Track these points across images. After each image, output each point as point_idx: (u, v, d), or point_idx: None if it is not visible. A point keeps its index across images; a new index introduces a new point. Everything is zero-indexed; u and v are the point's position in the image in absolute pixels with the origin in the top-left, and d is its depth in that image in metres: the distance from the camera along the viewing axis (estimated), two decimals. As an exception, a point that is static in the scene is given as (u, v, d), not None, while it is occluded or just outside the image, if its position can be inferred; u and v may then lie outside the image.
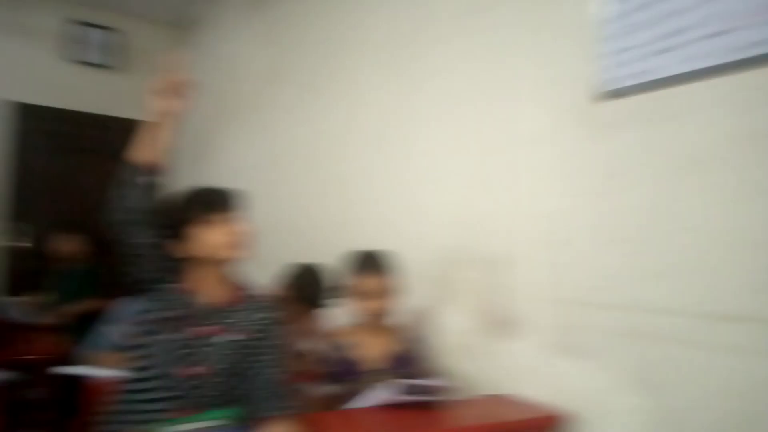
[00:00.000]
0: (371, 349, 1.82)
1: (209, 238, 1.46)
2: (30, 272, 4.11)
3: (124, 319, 1.68)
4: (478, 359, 1.89)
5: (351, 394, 1.68)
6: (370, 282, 1.80)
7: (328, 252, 2.45)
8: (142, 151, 1.44)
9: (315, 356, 1.85)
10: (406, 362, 1.83)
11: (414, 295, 1.94)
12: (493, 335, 1.86)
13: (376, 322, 1.84)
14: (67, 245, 3.36)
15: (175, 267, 1.50)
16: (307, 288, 2.08)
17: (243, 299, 1.56)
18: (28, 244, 4.26)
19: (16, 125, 4.30)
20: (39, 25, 4.40)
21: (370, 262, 1.83)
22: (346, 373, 1.77)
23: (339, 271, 1.89)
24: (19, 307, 3.07)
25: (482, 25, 1.97)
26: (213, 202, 1.49)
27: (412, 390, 1.59)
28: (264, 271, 1.74)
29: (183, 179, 1.59)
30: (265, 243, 1.59)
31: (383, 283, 1.81)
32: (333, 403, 1.72)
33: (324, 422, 1.50)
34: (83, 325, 3.18)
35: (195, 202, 1.49)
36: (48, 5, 4.41)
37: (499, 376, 1.82)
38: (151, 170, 1.44)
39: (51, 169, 4.44)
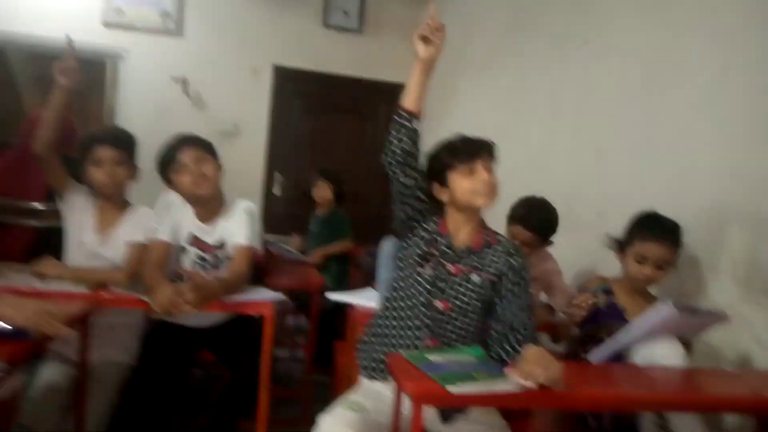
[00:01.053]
0: (628, 310, 1.74)
1: (469, 184, 1.54)
2: (282, 217, 4.74)
3: (385, 254, 1.83)
4: (749, 332, 1.67)
5: (605, 337, 1.64)
6: (651, 249, 1.68)
7: (566, 207, 2.36)
8: (408, 97, 1.53)
9: (565, 303, 1.82)
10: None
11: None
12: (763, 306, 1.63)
13: (640, 287, 1.76)
14: (323, 192, 3.73)
15: (435, 209, 1.61)
16: (536, 218, 2.07)
17: (492, 243, 1.61)
18: (278, 193, 4.86)
19: (273, 86, 4.84)
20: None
21: (657, 228, 1.70)
22: (610, 317, 1.72)
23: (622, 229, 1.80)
24: (283, 246, 3.49)
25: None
26: (477, 151, 1.56)
27: (691, 311, 1.55)
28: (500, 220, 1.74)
29: (427, 131, 1.66)
30: (507, 194, 1.60)
31: (665, 254, 1.68)
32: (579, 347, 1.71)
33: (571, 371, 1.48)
34: (336, 264, 3.57)
35: (460, 150, 1.56)
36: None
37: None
38: (415, 115, 1.53)
39: (302, 126, 4.96)
